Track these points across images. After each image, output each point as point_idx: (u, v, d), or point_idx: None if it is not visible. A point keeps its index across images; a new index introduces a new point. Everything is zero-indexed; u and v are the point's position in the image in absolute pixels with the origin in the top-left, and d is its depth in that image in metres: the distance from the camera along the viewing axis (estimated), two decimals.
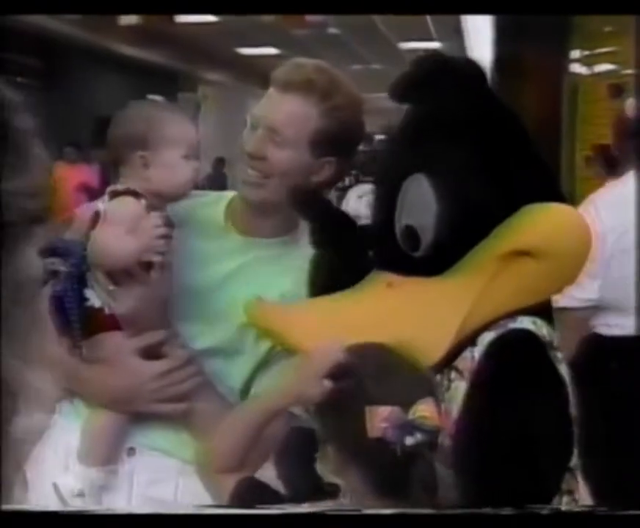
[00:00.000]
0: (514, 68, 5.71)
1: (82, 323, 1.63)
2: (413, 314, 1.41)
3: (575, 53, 6.44)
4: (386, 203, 1.48)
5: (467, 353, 1.37)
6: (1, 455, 0.53)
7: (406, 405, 1.20)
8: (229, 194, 1.80)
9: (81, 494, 1.60)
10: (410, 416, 1.20)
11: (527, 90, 5.48)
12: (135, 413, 1.65)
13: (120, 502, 1.63)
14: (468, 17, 9.04)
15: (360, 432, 1.20)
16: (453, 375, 1.37)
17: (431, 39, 12.89)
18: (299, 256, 1.68)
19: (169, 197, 1.67)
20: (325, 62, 1.71)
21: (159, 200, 1.65)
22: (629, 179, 2.88)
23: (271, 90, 1.67)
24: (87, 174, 8.97)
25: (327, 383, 1.30)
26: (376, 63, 15.55)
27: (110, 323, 1.63)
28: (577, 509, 1.21)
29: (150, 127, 1.65)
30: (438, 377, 1.36)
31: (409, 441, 1.19)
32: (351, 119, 1.67)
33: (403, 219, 1.44)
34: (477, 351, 1.36)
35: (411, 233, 1.43)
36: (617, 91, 5.82)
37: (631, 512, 0.70)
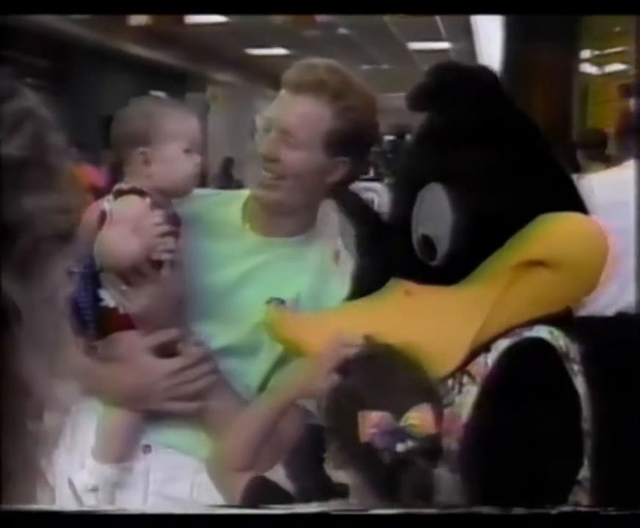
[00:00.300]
0: (523, 69, 5.70)
1: (97, 323, 1.64)
2: (430, 323, 1.40)
3: (585, 54, 6.44)
4: (403, 212, 1.47)
5: (480, 359, 1.36)
6: (1, 454, 0.54)
7: (402, 410, 1.20)
8: (243, 194, 1.79)
9: (94, 490, 1.62)
10: (402, 423, 1.19)
11: (537, 90, 5.48)
12: (149, 411, 1.66)
13: (136, 499, 1.64)
14: (478, 18, 9.02)
15: (356, 434, 1.20)
16: (465, 379, 1.36)
17: (441, 40, 12.84)
18: (315, 255, 1.69)
19: (172, 193, 1.67)
20: (337, 62, 1.71)
21: (163, 197, 1.65)
22: (627, 167, 3.14)
23: (283, 92, 1.67)
24: (94, 175, 8.97)
25: (336, 377, 1.31)
26: (385, 63, 15.49)
27: (124, 322, 1.64)
28: (582, 509, 1.22)
29: (150, 122, 1.64)
30: (450, 381, 1.35)
31: (400, 447, 1.19)
32: (364, 119, 1.66)
33: (419, 229, 1.44)
34: (490, 357, 1.36)
35: (427, 243, 1.42)
36: (628, 91, 5.81)
37: (633, 512, 0.70)
